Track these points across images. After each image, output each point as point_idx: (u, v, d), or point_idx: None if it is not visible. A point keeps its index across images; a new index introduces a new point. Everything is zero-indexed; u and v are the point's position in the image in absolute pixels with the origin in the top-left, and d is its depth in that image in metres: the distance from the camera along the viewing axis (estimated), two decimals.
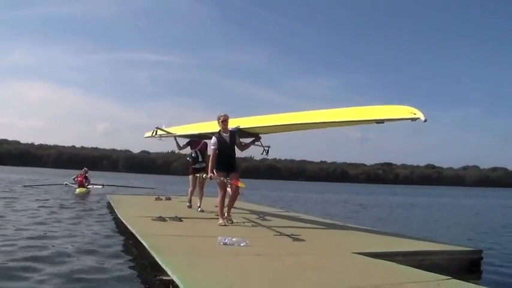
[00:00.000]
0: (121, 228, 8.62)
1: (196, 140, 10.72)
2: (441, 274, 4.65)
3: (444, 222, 16.20)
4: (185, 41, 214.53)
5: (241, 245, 5.82)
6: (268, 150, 9.24)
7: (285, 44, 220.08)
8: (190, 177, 10.83)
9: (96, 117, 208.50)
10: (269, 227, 8.14)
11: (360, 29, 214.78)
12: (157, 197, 14.64)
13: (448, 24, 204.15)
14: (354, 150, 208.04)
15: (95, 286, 4.88)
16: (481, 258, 6.46)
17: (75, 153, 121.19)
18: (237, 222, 8.41)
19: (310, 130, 9.63)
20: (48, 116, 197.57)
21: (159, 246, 5.53)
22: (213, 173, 7.94)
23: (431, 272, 4.83)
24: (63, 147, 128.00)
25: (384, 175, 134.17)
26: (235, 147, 8.30)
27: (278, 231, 7.51)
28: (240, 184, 7.79)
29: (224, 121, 8.07)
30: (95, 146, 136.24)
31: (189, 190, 11.01)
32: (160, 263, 4.71)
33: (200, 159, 10.64)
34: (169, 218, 8.46)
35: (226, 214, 8.28)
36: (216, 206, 8.66)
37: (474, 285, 4.62)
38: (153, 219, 8.29)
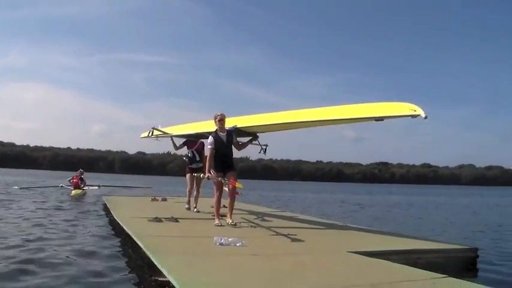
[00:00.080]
0: (117, 229, 8.60)
1: (193, 140, 10.65)
2: (437, 272, 4.66)
3: (440, 221, 16.24)
4: (180, 41, 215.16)
5: (238, 245, 5.81)
6: (265, 149, 9.14)
7: (279, 43, 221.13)
8: (188, 176, 10.73)
9: (92, 119, 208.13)
10: (265, 227, 8.13)
11: (357, 27, 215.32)
12: (153, 197, 14.62)
13: (444, 22, 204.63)
14: (349, 149, 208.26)
15: None
16: (477, 257, 6.46)
17: (71, 154, 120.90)
18: (234, 223, 8.37)
19: (306, 129, 9.60)
20: (44, 117, 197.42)
21: (155, 246, 5.52)
22: (210, 173, 7.92)
23: (427, 270, 4.83)
24: (59, 148, 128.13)
25: (380, 174, 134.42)
26: (233, 146, 8.26)
27: (274, 231, 7.50)
28: (237, 185, 7.74)
29: (221, 120, 8.04)
30: (90, 148, 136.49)
31: (187, 190, 10.89)
32: (156, 263, 4.71)
33: (197, 159, 10.60)
34: (166, 218, 8.44)
35: (228, 218, 8.12)
36: (212, 207, 8.63)
37: (470, 283, 4.62)
38: (149, 220, 8.26)
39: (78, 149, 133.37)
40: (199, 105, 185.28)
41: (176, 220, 8.43)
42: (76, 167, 22.96)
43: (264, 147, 9.13)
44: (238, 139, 8.57)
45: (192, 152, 10.63)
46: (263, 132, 9.12)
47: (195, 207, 10.44)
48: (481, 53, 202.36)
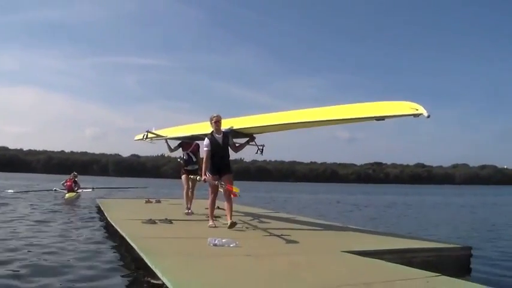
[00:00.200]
0: (111, 231, 8.58)
1: (188, 142, 10.57)
2: (431, 271, 4.66)
3: (434, 220, 16.30)
4: (172, 43, 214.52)
5: (231, 245, 5.81)
6: (262, 150, 9.05)
7: (271, 45, 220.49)
8: (183, 177, 10.58)
9: (85, 122, 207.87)
10: (259, 228, 8.12)
11: (350, 28, 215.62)
12: (147, 200, 14.58)
13: (438, 21, 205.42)
14: (343, 150, 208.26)
15: None
16: (471, 255, 6.49)
17: (65, 158, 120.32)
18: (226, 224, 8.21)
19: (299, 130, 9.52)
20: (36, 121, 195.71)
21: (149, 248, 5.50)
22: (207, 176, 7.83)
23: (421, 269, 4.83)
24: (53, 152, 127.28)
25: (374, 175, 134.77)
26: (229, 148, 8.12)
27: (268, 232, 7.50)
28: (234, 189, 7.54)
29: (217, 122, 7.87)
30: (84, 151, 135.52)
31: (184, 192, 10.68)
32: (150, 265, 4.70)
33: (192, 161, 10.55)
34: (160, 220, 8.43)
35: (228, 220, 7.78)
36: (207, 208, 8.61)
37: (463, 281, 4.65)
38: (143, 222, 8.24)
39: (71, 152, 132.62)
40: (192, 107, 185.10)
41: (170, 222, 8.42)
42: (70, 170, 22.84)
43: (261, 147, 9.03)
44: (235, 140, 8.44)
45: (188, 154, 10.56)
46: (260, 133, 9.00)
47: (189, 208, 10.39)
48: (478, 53, 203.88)
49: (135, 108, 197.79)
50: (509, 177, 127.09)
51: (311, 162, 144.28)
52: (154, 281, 4.43)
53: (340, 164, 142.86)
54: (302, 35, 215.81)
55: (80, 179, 20.70)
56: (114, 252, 7.07)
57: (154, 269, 4.49)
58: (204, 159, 7.94)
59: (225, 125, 8.24)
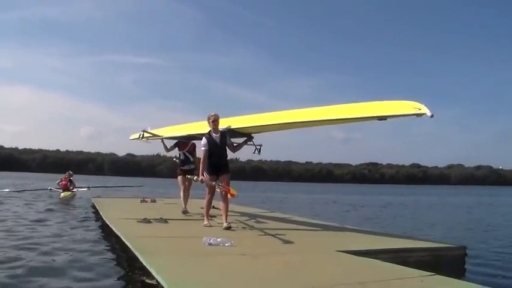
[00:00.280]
0: (106, 230, 8.55)
1: (185, 141, 10.53)
2: (426, 271, 4.66)
3: (430, 220, 16.34)
4: (169, 43, 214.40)
5: (226, 245, 5.80)
6: (260, 149, 8.96)
7: (268, 44, 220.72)
8: (180, 178, 10.54)
9: (81, 121, 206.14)
10: (254, 228, 8.13)
11: (348, 28, 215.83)
12: (142, 199, 14.56)
13: (438, 22, 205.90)
14: (338, 150, 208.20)
15: None
16: (465, 255, 6.52)
17: (60, 156, 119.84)
18: (221, 223, 8.09)
19: (295, 130, 9.48)
20: (32, 120, 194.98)
21: (144, 247, 5.49)
22: (204, 176, 7.75)
23: (415, 269, 4.84)
24: (48, 151, 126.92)
25: (369, 175, 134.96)
26: (227, 148, 8.03)
27: (263, 232, 7.50)
28: (232, 191, 7.49)
29: (214, 121, 7.78)
30: (79, 150, 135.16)
31: (181, 193, 10.64)
32: (144, 264, 4.68)
33: (189, 161, 10.51)
34: (155, 219, 8.42)
35: (224, 221, 7.74)
36: (202, 208, 8.59)
37: (458, 280, 4.66)
38: (138, 221, 8.23)
39: (67, 151, 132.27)
40: (188, 106, 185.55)
41: (165, 221, 8.41)
42: (65, 169, 22.77)
43: (259, 147, 8.95)
44: (233, 140, 8.35)
45: (184, 153, 10.53)
46: (258, 132, 8.91)
47: (185, 208, 10.36)
48: (478, 54, 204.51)
49: (131, 108, 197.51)
50: (505, 177, 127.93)
51: (306, 162, 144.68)
52: (149, 280, 4.43)
53: (335, 164, 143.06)
54: (300, 35, 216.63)
55: (76, 178, 20.67)
56: (109, 251, 7.05)
57: (149, 268, 4.48)
58: (201, 159, 7.85)
59: (223, 124, 8.17)
